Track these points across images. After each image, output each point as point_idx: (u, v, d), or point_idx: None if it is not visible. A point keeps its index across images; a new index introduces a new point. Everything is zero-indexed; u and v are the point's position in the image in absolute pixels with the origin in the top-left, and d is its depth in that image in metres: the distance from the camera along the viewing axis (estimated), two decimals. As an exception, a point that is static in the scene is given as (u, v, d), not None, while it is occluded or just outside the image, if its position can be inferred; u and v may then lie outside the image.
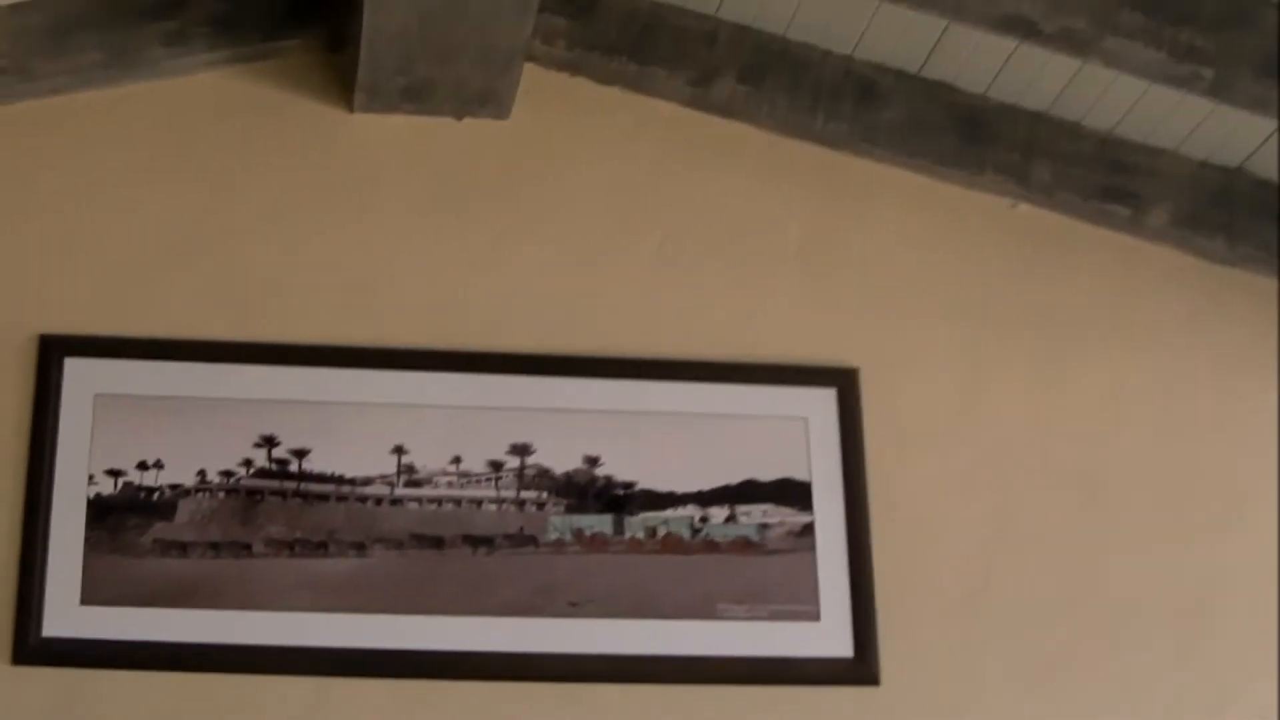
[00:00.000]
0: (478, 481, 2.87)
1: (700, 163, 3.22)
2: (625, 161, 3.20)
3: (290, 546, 2.78)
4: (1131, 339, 3.23)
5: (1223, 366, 3.22)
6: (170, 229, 3.00)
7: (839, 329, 3.11)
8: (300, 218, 3.05)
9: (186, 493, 2.79)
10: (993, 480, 3.06)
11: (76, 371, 2.84)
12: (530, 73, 3.11)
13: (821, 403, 3.02)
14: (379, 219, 3.08)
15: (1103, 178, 3.23)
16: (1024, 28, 2.62)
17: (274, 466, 2.83)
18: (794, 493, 2.96)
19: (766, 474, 2.97)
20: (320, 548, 2.78)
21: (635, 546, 2.88)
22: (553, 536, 2.86)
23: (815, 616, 2.86)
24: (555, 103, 3.19)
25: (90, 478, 2.77)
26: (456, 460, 2.88)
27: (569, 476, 2.91)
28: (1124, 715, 2.94)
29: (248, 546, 2.77)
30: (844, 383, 3.04)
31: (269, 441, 2.84)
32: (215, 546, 2.76)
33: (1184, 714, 2.96)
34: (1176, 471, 3.14)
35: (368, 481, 2.84)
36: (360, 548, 2.79)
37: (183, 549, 2.75)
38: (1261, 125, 3.04)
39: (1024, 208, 3.26)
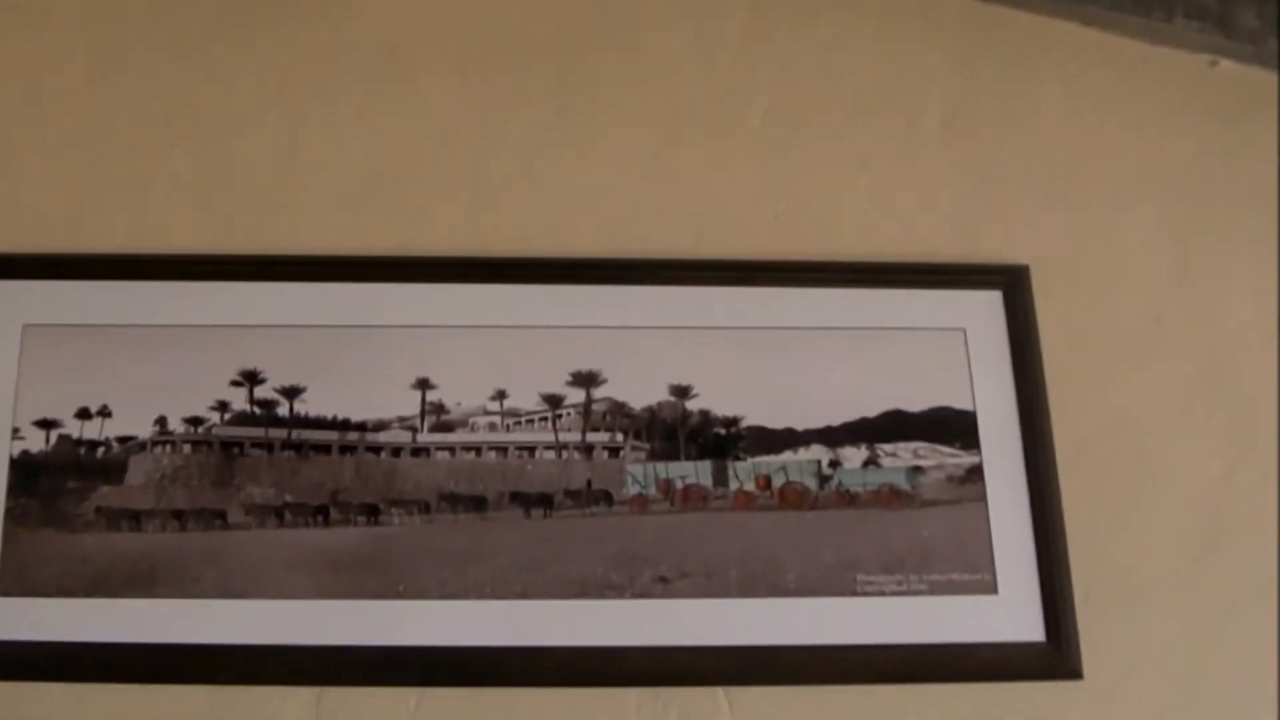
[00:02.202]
0: (530, 422, 2.43)
1: (811, 18, 2.74)
2: (714, 18, 2.73)
3: (279, 514, 2.35)
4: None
5: None
6: (128, 119, 2.59)
7: (999, 218, 2.62)
8: (297, 99, 2.62)
9: (142, 446, 2.36)
10: (1218, 401, 2.53)
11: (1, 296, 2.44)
12: (593, -87, 2.77)
13: (983, 310, 2.52)
14: (400, 98, 2.64)
15: (1326, 20, 2.74)
16: None
17: (257, 410, 2.40)
18: (954, 426, 2.45)
19: (916, 403, 2.46)
20: (319, 514, 2.35)
21: (743, 501, 2.40)
22: (633, 491, 2.40)
23: (991, 588, 2.35)
24: (625, -50, 2.78)
25: (14, 431, 2.36)
26: (500, 395, 2.43)
27: (651, 413, 2.44)
28: None
29: (222, 515, 2.34)
30: (1011, 283, 2.54)
31: (250, 378, 2.41)
32: (179, 516, 2.33)
33: None
34: None
35: (382, 426, 2.40)
36: (373, 513, 2.36)
37: (136, 520, 2.32)
38: None
39: (1226, 64, 2.77)
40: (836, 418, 2.43)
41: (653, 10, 2.73)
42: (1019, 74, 2.73)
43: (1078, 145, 2.69)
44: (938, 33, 2.74)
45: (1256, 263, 2.63)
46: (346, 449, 2.37)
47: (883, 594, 2.32)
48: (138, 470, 2.33)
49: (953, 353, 2.48)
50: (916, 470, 2.41)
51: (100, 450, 2.34)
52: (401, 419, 2.39)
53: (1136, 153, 2.69)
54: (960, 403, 2.45)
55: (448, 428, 2.39)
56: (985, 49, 2.74)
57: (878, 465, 2.41)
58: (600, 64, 2.68)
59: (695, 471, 2.39)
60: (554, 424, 2.41)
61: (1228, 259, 2.63)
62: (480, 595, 2.27)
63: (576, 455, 2.40)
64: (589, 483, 2.38)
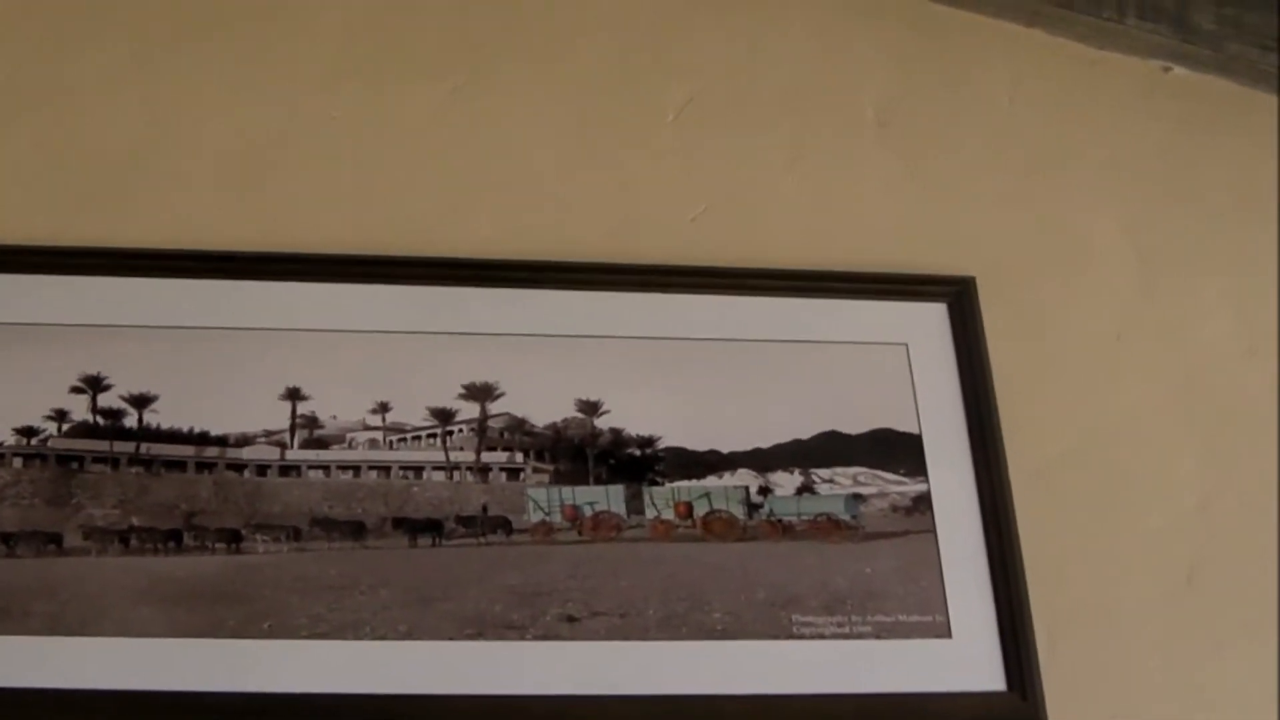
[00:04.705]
0: (417, 439, 2.29)
1: (735, 3, 2.72)
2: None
3: (124, 538, 2.17)
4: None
5: None
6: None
7: (942, 224, 2.56)
8: (154, 68, 2.52)
9: (-38, 461, 2.21)
10: (1191, 422, 2.47)
11: None
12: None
13: (927, 323, 2.44)
14: (272, 70, 2.55)
15: (1287, 24, 2.74)
16: None
17: (100, 420, 2.24)
18: (897, 449, 2.35)
19: (855, 424, 2.36)
20: (171, 539, 2.17)
21: (661, 531, 2.27)
22: (535, 518, 2.26)
23: (944, 631, 2.22)
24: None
25: None
26: (383, 408, 2.29)
27: (556, 430, 2.31)
28: None
29: (57, 539, 2.16)
30: (957, 295, 2.47)
31: (93, 384, 2.25)
32: (7, 539, 2.14)
33: None
34: None
35: (245, 440, 2.25)
36: (234, 539, 2.19)
37: (-47, 545, 2.14)
38: None
39: (1180, 72, 2.77)
40: (766, 439, 2.32)
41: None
42: (960, 73, 2.73)
43: (1025, 150, 2.67)
44: (871, 26, 2.73)
45: (1225, 275, 2.60)
46: (204, 466, 2.22)
47: (822, 637, 2.18)
48: (-43, 488, 2.15)
49: (895, 369, 2.39)
50: (857, 498, 2.30)
51: (-88, 464, 2.16)
52: (268, 433, 2.24)
53: (1089, 159, 2.68)
54: (904, 424, 2.35)
55: (322, 444, 2.25)
56: (922, 45, 2.73)
57: (813, 493, 2.30)
58: (501, 41, 2.61)
59: (606, 497, 2.26)
60: (444, 441, 2.28)
61: (1193, 271, 2.61)
62: (358, 635, 2.10)
63: (470, 477, 2.27)
64: (484, 508, 2.24)
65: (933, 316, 2.42)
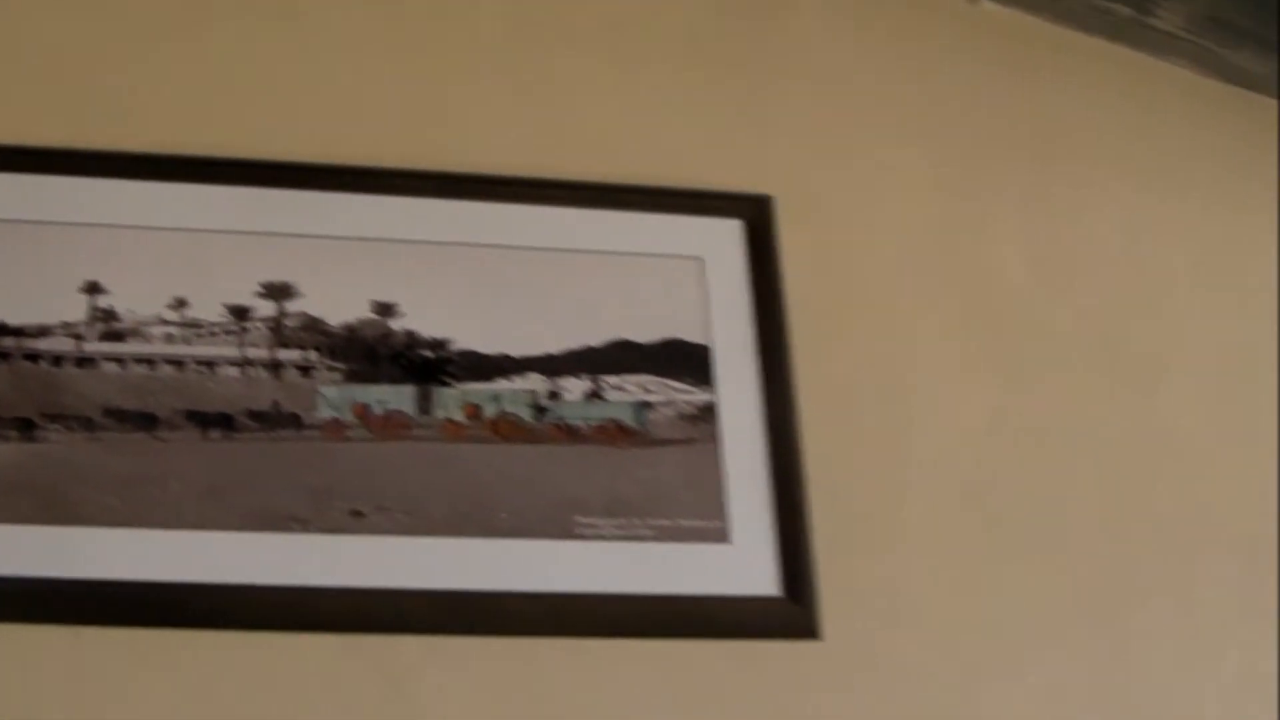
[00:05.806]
0: (212, 334, 2.29)
1: None
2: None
3: None
4: (1147, 174, 2.80)
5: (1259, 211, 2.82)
6: None
7: (744, 146, 2.60)
8: None
9: None
10: (979, 352, 2.56)
11: None
12: None
13: (722, 239, 2.50)
14: None
15: (1095, -38, 2.76)
16: None
17: None
18: (686, 360, 2.41)
19: (646, 333, 2.42)
20: None
21: (451, 431, 2.30)
22: (325, 415, 2.28)
23: (723, 536, 2.29)
24: None
25: None
26: (180, 304, 2.30)
27: (350, 330, 2.33)
28: (1184, 675, 2.41)
29: None
30: (754, 213, 2.52)
31: None
32: None
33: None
34: (1227, 343, 2.69)
35: (43, 331, 2.24)
36: (27, 428, 2.17)
37: None
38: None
39: (987, 5, 2.84)
40: (558, 345, 2.37)
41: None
42: (773, -1, 2.72)
43: (832, 78, 2.69)
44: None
45: (1020, 207, 2.66)
46: (0, 355, 2.20)
47: (603, 538, 2.24)
48: None
49: (689, 283, 2.44)
50: (644, 406, 2.35)
51: None
52: (65, 324, 2.23)
53: (896, 90, 2.71)
54: (695, 336, 2.40)
55: (118, 336, 2.25)
56: (731, -32, 2.72)
57: (602, 398, 2.35)
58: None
59: (396, 396, 2.30)
60: (239, 338, 2.28)
61: (990, 203, 2.66)
62: (149, 524, 2.11)
63: (263, 373, 2.28)
64: (276, 403, 2.26)
65: (729, 233, 2.47)
